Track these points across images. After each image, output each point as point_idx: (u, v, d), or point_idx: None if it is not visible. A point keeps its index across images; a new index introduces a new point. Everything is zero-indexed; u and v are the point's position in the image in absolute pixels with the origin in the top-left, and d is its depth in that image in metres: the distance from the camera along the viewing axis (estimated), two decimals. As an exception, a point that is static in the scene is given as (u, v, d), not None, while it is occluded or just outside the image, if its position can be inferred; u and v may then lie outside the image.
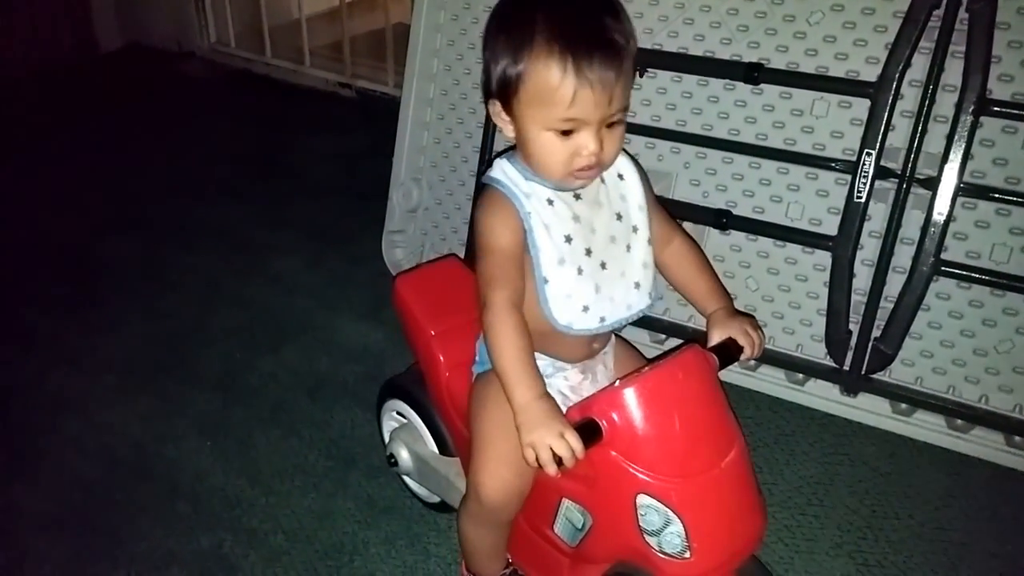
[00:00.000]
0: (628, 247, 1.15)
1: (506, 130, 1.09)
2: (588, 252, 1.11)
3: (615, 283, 1.14)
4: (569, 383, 1.21)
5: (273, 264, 2.48)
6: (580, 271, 1.11)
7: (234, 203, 2.84)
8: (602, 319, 1.14)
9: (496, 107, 1.08)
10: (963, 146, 1.58)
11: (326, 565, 1.52)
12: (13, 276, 2.47)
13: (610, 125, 1.03)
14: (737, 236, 1.84)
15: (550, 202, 1.10)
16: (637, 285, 1.16)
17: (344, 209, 2.77)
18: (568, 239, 1.10)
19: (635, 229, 1.16)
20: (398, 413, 1.60)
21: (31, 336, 2.21)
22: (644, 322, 1.92)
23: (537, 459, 0.99)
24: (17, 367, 2.09)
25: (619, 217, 1.15)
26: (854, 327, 1.73)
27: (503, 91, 1.04)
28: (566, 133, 1.02)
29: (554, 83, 0.98)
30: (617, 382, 1.04)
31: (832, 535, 1.56)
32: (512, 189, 1.09)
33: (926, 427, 1.76)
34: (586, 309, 1.12)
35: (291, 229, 2.66)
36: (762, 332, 1.20)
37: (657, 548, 1.04)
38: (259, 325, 2.20)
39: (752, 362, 1.87)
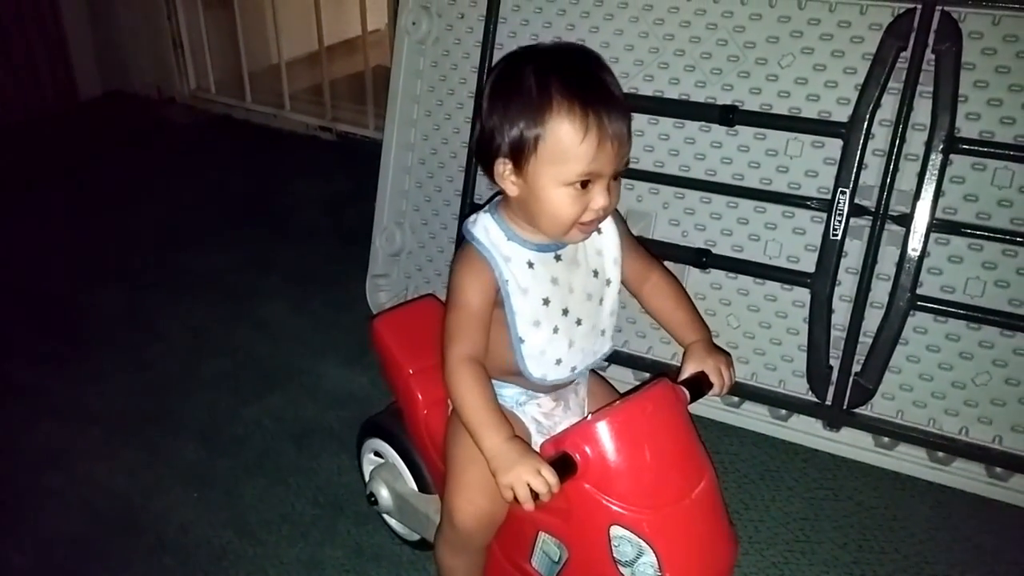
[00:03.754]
0: (600, 300, 1.20)
1: (510, 191, 1.10)
2: (565, 312, 1.15)
3: (587, 336, 1.20)
4: (542, 410, 1.25)
5: (258, 311, 2.48)
6: (556, 330, 1.15)
7: (218, 250, 2.84)
8: (573, 368, 1.20)
9: (506, 168, 1.09)
10: (934, 183, 1.62)
11: (315, 616, 1.51)
12: (-5, 328, 2.46)
13: (615, 177, 1.08)
14: (717, 274, 1.87)
15: (530, 265, 1.13)
16: (603, 332, 1.22)
17: (328, 254, 2.78)
18: (546, 301, 1.13)
19: (608, 282, 1.21)
20: (375, 453, 1.62)
21: (15, 389, 2.19)
22: (627, 360, 1.94)
23: (516, 496, 1.02)
24: (0, 420, 2.07)
25: (595, 274, 1.19)
26: (834, 362, 1.75)
27: (517, 152, 1.06)
28: (583, 186, 1.05)
29: (577, 139, 1.02)
30: (589, 416, 1.08)
31: (819, 571, 1.57)
32: (491, 252, 1.12)
33: (908, 460, 1.78)
34: (559, 362, 1.17)
35: (275, 275, 2.67)
36: (733, 371, 1.23)
37: None
38: (244, 373, 2.20)
39: (735, 399, 1.89)
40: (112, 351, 2.32)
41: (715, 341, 1.28)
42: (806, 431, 1.86)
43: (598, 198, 1.06)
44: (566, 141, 1.03)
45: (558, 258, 1.15)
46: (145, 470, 1.88)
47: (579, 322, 1.17)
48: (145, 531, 1.71)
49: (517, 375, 1.19)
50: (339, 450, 1.89)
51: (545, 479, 1.01)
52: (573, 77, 1.04)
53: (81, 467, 1.89)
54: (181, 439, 1.97)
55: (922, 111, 1.62)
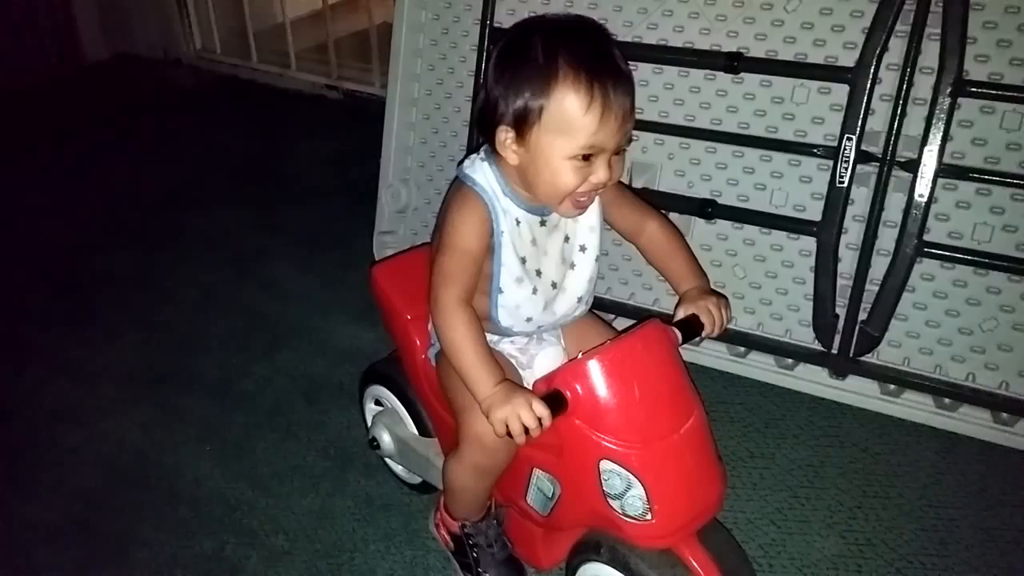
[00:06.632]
0: (573, 264, 1.22)
1: (510, 159, 1.11)
2: (539, 273, 1.19)
3: (560, 299, 1.23)
4: (516, 346, 1.30)
5: (266, 270, 2.49)
6: (535, 291, 1.18)
7: (226, 210, 2.85)
8: (540, 327, 1.25)
9: (508, 136, 1.09)
10: (942, 128, 1.59)
11: (327, 563, 1.54)
12: (8, 290, 2.49)
13: (617, 152, 1.09)
14: (723, 225, 1.86)
15: (518, 222, 1.16)
16: (579, 299, 1.25)
17: (335, 212, 2.79)
18: (523, 260, 1.16)
19: (583, 248, 1.23)
20: (376, 402, 1.66)
21: (28, 349, 2.22)
22: (632, 312, 1.95)
23: (509, 432, 1.05)
24: (15, 380, 2.10)
25: (567, 239, 1.22)
26: (841, 311, 1.75)
27: (521, 121, 1.07)
28: (585, 159, 1.06)
29: (581, 111, 1.04)
30: (581, 355, 1.10)
31: (823, 516, 1.58)
32: (493, 201, 1.14)
33: (914, 407, 1.78)
34: (529, 320, 1.21)
35: (283, 234, 2.68)
36: (727, 311, 1.24)
37: (620, 511, 1.10)
38: (254, 331, 2.22)
39: (741, 349, 1.90)
40: (123, 311, 2.34)
41: (722, 291, 1.28)
42: (812, 380, 1.86)
43: (599, 172, 1.08)
44: (571, 111, 1.04)
45: (543, 223, 1.18)
46: (158, 426, 1.91)
47: (554, 285, 1.21)
48: (160, 484, 1.75)
49: (485, 320, 1.22)
50: (348, 404, 1.91)
51: (535, 412, 1.04)
52: (581, 49, 1.05)
53: (96, 424, 1.92)
54: (193, 396, 1.99)
55: (930, 54, 1.59)
